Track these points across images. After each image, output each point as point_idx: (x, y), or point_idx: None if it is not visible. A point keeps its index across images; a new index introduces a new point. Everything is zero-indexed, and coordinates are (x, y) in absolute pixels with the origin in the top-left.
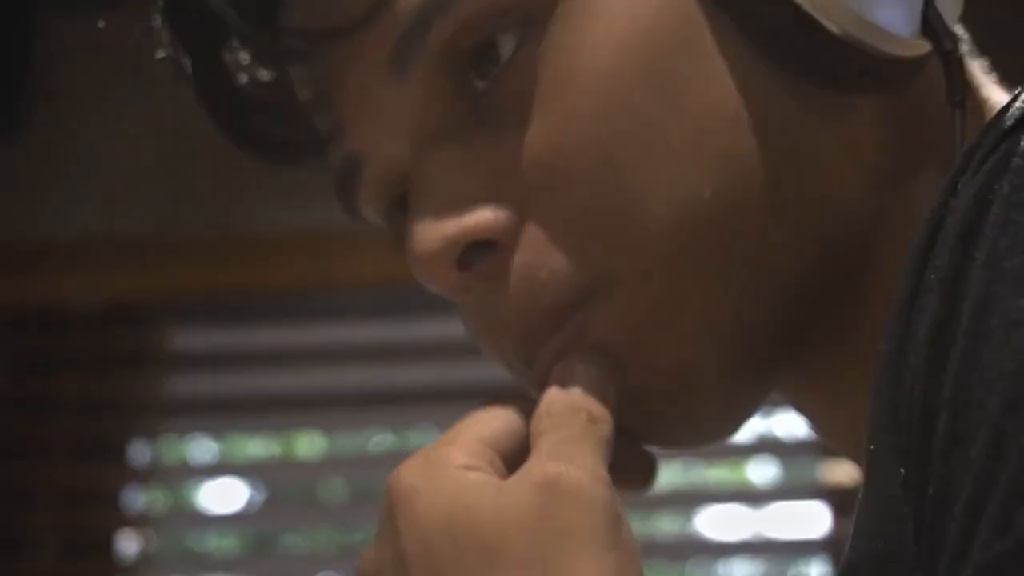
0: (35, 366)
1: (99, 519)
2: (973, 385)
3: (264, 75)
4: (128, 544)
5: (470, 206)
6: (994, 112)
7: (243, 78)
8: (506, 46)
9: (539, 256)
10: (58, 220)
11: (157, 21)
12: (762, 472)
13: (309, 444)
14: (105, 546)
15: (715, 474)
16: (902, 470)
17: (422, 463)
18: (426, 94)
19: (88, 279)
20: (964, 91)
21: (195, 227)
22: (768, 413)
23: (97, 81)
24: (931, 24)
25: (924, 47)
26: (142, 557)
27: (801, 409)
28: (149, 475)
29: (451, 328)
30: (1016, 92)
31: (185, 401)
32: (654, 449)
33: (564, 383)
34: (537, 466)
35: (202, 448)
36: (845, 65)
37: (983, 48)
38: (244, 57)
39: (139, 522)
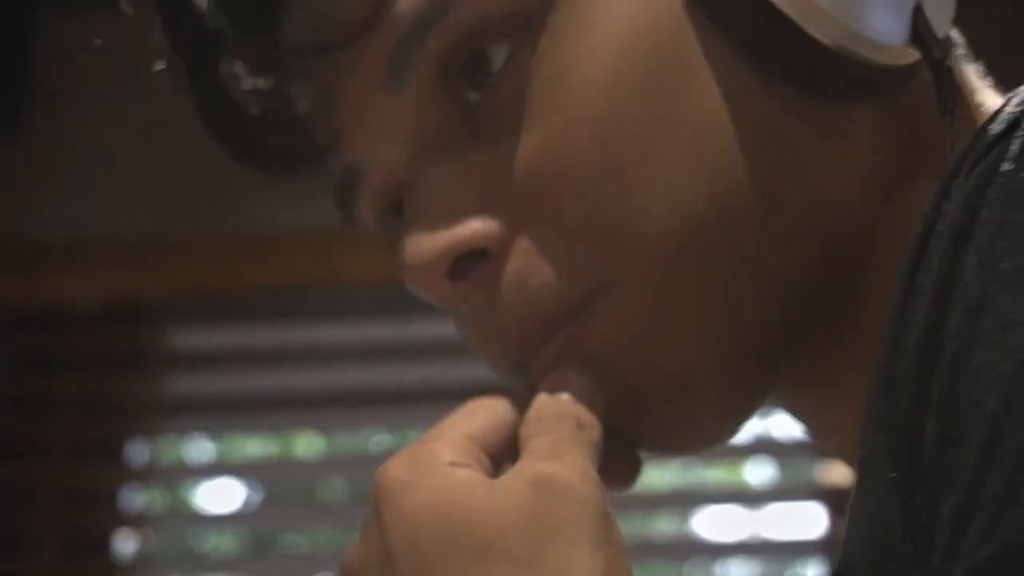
0: (34, 365)
1: (98, 519)
2: (967, 386)
3: (262, 87)
4: (126, 544)
5: (463, 216)
6: (987, 117)
7: (241, 90)
8: (498, 56)
9: (532, 265)
10: (58, 220)
11: (156, 33)
12: (759, 473)
13: (307, 444)
14: (103, 546)
15: (712, 475)
16: (894, 473)
17: (409, 459)
18: (422, 105)
19: (87, 279)
20: (956, 97)
21: (194, 227)
22: (765, 414)
23: (97, 81)
24: (920, 33)
25: (914, 55)
26: (140, 557)
27: (799, 412)
28: (147, 475)
29: (450, 328)
30: (1008, 96)
31: (183, 401)
32: (652, 453)
33: (554, 391)
34: (529, 465)
35: (200, 448)
36: (836, 75)
37: (984, 48)
38: (242, 69)
39: (137, 522)
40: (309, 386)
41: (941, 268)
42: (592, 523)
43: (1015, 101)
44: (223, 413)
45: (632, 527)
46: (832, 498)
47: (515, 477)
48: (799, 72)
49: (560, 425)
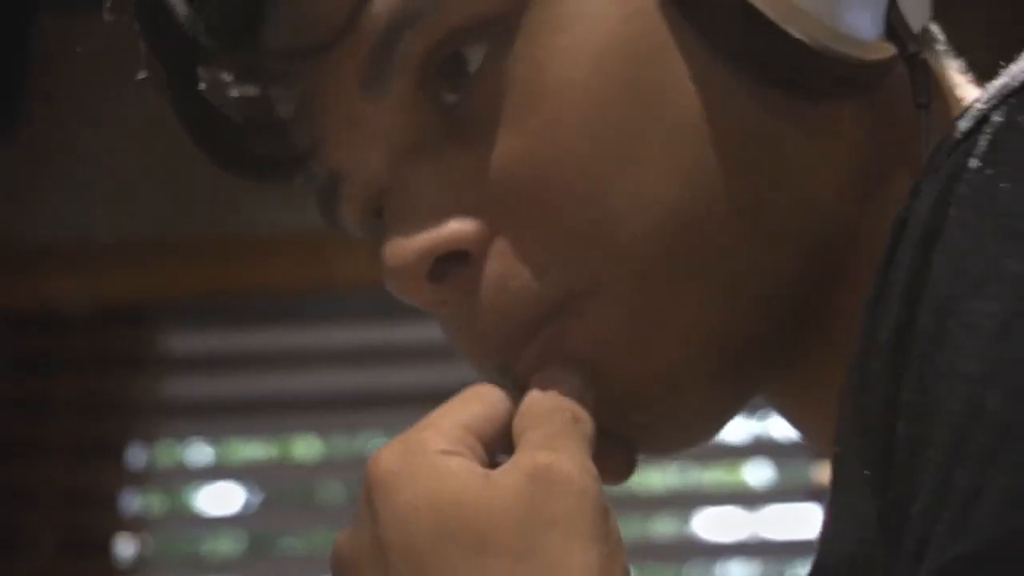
0: (33, 367)
1: (97, 521)
2: (934, 387)
3: (241, 94)
4: (125, 546)
5: (443, 218)
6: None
7: (221, 96)
8: (475, 57)
9: (511, 267)
10: (56, 221)
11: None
12: (758, 474)
13: (306, 447)
14: (102, 548)
15: (711, 476)
16: (868, 471)
17: (401, 448)
18: (399, 109)
19: (85, 280)
20: (932, 92)
21: (193, 228)
22: (763, 416)
23: (95, 81)
24: (895, 27)
25: (889, 50)
26: (139, 559)
27: (789, 413)
28: (146, 478)
29: None
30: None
31: (182, 403)
32: (638, 453)
33: (545, 388)
34: (527, 456)
35: (199, 451)
36: (814, 72)
37: (982, 48)
38: (221, 76)
39: (136, 524)
40: (307, 389)
41: (911, 267)
42: (590, 516)
43: (985, 96)
44: (221, 416)
45: (631, 528)
46: None
47: (512, 468)
48: (777, 70)
49: (555, 418)
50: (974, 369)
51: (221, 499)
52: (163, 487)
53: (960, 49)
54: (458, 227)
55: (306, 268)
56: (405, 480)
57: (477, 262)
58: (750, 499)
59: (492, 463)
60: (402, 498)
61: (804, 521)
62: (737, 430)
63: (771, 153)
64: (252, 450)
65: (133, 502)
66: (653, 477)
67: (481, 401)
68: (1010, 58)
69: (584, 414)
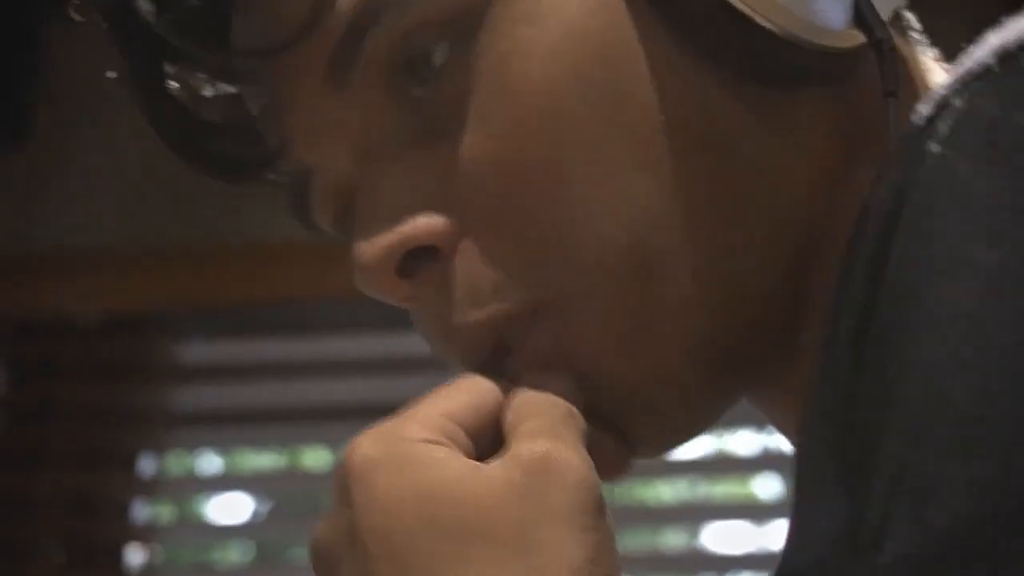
0: (43, 376)
1: (107, 530)
2: (893, 375)
3: (208, 93)
4: (135, 555)
5: (410, 215)
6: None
7: (189, 96)
8: (440, 53)
9: (480, 266)
10: (66, 230)
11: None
12: (767, 487)
13: (314, 457)
14: (112, 557)
15: (721, 489)
16: (831, 460)
17: (381, 436)
18: (366, 106)
19: (95, 290)
20: (901, 80)
21: (203, 238)
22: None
23: (102, 91)
24: (863, 14)
25: (858, 38)
26: (148, 568)
27: (776, 416)
28: (156, 487)
29: None
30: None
31: (192, 413)
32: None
33: (536, 387)
34: (526, 445)
35: (208, 460)
36: (782, 61)
37: (948, 34)
38: (188, 75)
39: (146, 534)
40: (316, 399)
41: (872, 254)
42: (587, 506)
43: (946, 82)
44: (231, 426)
45: (641, 540)
46: None
47: (508, 458)
48: (745, 61)
49: (551, 410)
50: (935, 357)
51: (230, 509)
52: (173, 496)
53: (941, 38)
54: (426, 222)
55: (316, 278)
56: (385, 469)
57: (447, 258)
58: (759, 512)
59: (478, 455)
60: (382, 487)
61: None
62: (747, 444)
63: (741, 147)
64: (261, 460)
65: (143, 511)
66: (663, 490)
67: (468, 391)
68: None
69: (576, 411)
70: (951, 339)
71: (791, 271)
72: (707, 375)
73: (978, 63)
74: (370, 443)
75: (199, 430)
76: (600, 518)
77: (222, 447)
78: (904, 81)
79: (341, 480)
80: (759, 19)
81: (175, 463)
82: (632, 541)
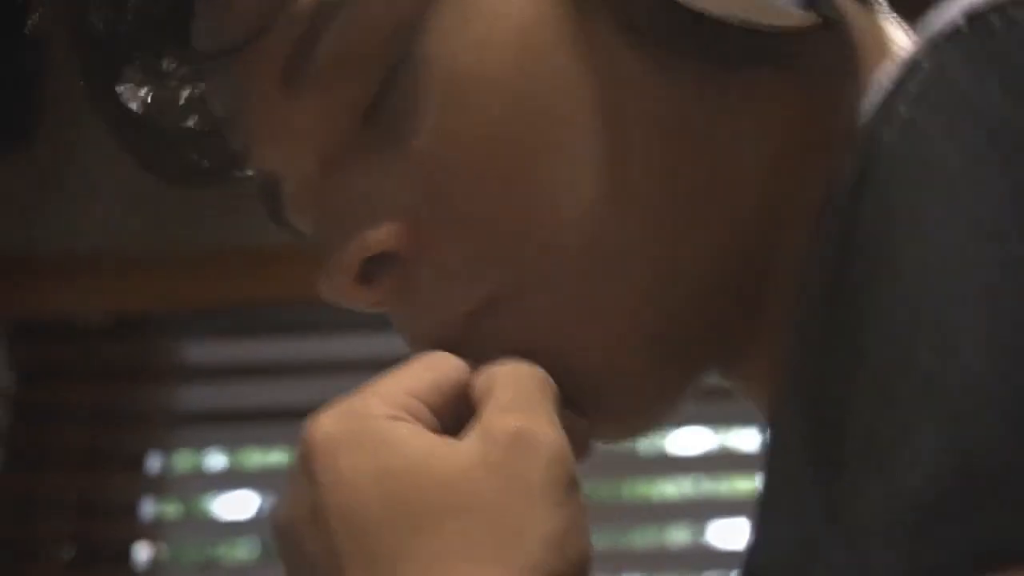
0: (49, 377)
1: (114, 529)
2: (861, 337)
3: (168, 99)
4: (142, 553)
5: (367, 221)
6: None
7: (147, 103)
8: (388, 58)
9: (440, 266)
10: (71, 232)
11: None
12: None
13: None
14: (121, 555)
15: (726, 486)
16: (806, 453)
17: (343, 413)
18: (321, 110)
19: (101, 291)
20: (862, 54)
21: (207, 240)
22: None
23: None
24: None
25: (811, 17)
26: (156, 566)
27: (751, 395)
28: (162, 486)
29: None
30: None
31: (196, 413)
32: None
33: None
34: (498, 418)
35: (214, 459)
36: (732, 43)
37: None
38: (146, 80)
39: (153, 532)
40: (319, 397)
41: (842, 217)
42: (561, 482)
43: (915, 42)
44: (235, 424)
45: (647, 537)
46: None
47: (480, 433)
48: (692, 42)
49: (523, 380)
50: (901, 319)
51: (236, 506)
52: (179, 494)
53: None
54: (382, 230)
55: (318, 278)
56: (348, 446)
57: (407, 261)
58: None
59: (445, 430)
60: (344, 464)
61: None
62: (751, 440)
63: (692, 133)
64: (266, 457)
65: (150, 509)
66: (668, 487)
67: (431, 368)
68: None
69: (551, 380)
70: (915, 300)
71: (749, 254)
72: (663, 361)
73: (947, 23)
74: (331, 420)
75: (204, 429)
76: (573, 493)
77: (227, 445)
78: (865, 55)
79: (303, 457)
80: (697, 2)
81: (181, 461)
82: (638, 538)
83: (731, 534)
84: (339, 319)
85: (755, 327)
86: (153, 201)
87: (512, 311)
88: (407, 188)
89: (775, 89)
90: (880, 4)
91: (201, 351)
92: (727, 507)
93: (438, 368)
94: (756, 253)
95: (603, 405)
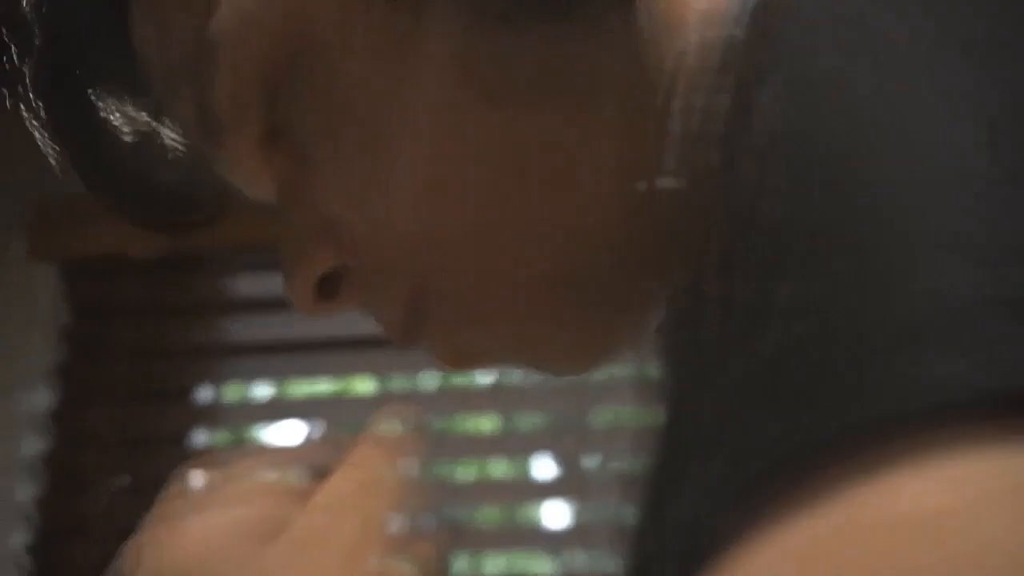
0: (103, 313)
1: (167, 459)
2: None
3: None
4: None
5: (310, 244)
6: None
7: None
8: (287, 87)
9: (370, 270)
10: None
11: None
12: None
13: (362, 384)
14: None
15: None
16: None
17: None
18: (246, 151)
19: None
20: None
21: None
22: None
23: None
24: None
25: None
26: None
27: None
28: (213, 416)
29: None
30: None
31: (245, 345)
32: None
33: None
34: (306, 514)
35: (261, 390)
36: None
37: None
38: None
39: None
40: (363, 329)
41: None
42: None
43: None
44: (283, 356)
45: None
46: None
47: (298, 516)
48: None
49: (359, 488)
50: (745, 190)
51: (283, 434)
52: (229, 425)
53: None
54: (321, 253)
55: None
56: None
57: (353, 269)
58: None
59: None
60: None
61: None
62: None
63: (500, 107)
64: (311, 388)
65: (201, 439)
66: None
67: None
68: None
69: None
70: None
71: (612, 229)
72: (566, 327)
73: None
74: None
75: (253, 361)
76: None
77: (275, 376)
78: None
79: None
80: None
81: (231, 393)
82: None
83: None
84: None
85: (651, 286)
86: None
87: (433, 299)
88: (330, 201)
89: (591, 48)
90: None
91: (248, 286)
92: None
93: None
94: (616, 227)
95: (539, 356)
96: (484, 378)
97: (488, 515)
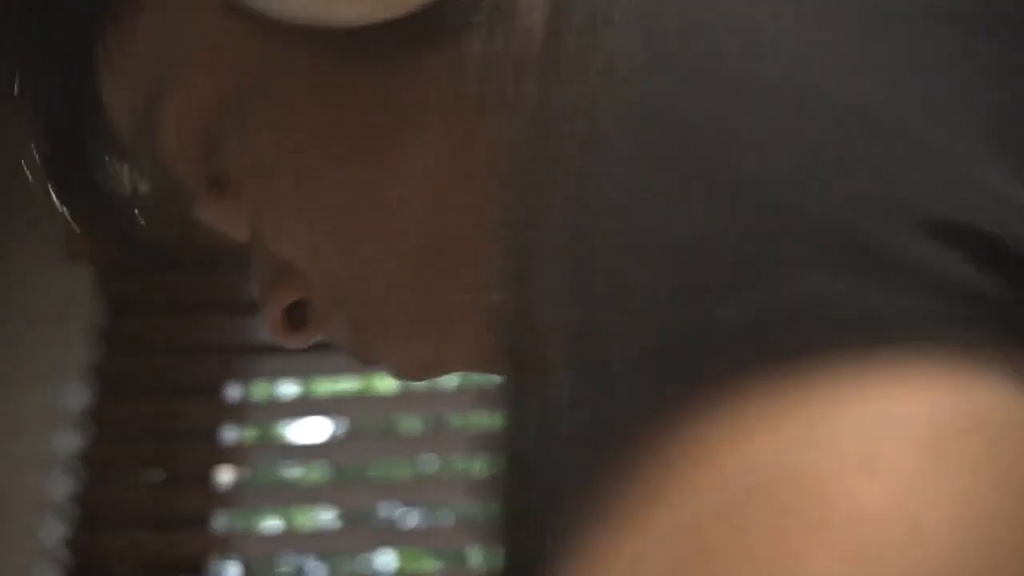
0: (137, 311)
1: (197, 454)
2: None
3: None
4: (223, 476)
5: (270, 284)
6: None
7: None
8: (225, 135)
9: (319, 311)
10: None
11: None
12: None
13: (385, 381)
14: (203, 478)
15: None
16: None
17: None
18: (201, 203)
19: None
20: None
21: None
22: None
23: None
24: None
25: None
26: (236, 487)
27: None
28: (241, 413)
29: None
30: None
31: (272, 345)
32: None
33: None
34: None
35: (287, 388)
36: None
37: None
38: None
39: (233, 456)
40: None
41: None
42: None
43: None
44: (309, 355)
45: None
46: None
47: None
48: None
49: None
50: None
51: (310, 431)
52: (257, 421)
53: None
54: (280, 292)
55: None
56: None
57: (312, 300)
58: None
59: None
60: None
61: None
62: None
63: (352, 137)
64: (336, 386)
65: (230, 435)
66: None
67: None
68: None
69: None
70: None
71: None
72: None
73: None
74: None
75: (280, 359)
76: None
77: (301, 375)
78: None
79: None
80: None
81: (258, 390)
82: None
83: None
84: None
85: None
86: None
87: (365, 324)
88: (268, 242)
89: (439, 75)
90: None
91: None
92: None
93: None
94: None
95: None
96: None
97: None
